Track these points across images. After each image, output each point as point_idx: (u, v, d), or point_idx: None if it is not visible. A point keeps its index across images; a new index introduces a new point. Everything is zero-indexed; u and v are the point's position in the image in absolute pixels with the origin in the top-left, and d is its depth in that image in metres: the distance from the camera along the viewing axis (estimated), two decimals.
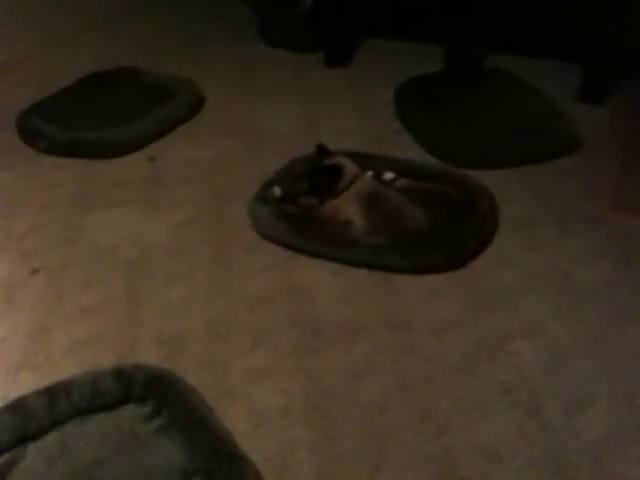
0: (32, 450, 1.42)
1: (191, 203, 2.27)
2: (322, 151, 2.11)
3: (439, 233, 1.95)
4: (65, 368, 1.65)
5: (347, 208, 1.99)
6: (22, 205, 2.28)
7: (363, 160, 2.30)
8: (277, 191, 2.15)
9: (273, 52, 3.38)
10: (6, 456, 1.41)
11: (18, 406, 1.47)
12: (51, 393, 1.48)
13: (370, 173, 2.20)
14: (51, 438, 1.43)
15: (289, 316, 1.81)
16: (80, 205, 2.26)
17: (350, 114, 2.80)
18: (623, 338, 1.70)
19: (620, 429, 1.48)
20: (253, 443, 1.46)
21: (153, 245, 2.08)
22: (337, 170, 2.02)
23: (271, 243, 2.05)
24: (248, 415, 1.53)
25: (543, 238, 2.06)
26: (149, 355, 1.69)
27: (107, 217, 2.21)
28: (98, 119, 2.65)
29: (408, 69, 2.99)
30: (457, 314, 1.79)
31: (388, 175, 2.20)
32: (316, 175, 2.03)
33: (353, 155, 2.31)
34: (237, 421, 1.51)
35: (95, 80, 2.92)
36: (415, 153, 2.47)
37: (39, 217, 2.21)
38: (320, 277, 1.93)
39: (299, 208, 2.06)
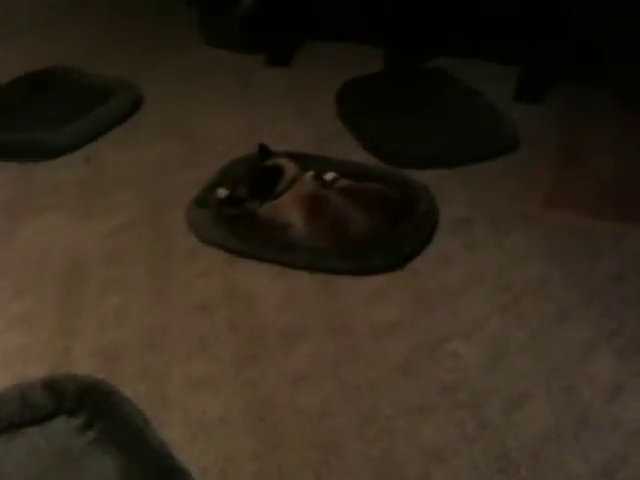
0: None
1: (127, 208, 2.21)
2: (263, 151, 2.09)
3: (378, 235, 1.95)
4: None
5: (287, 210, 1.97)
6: None
7: (304, 161, 2.28)
8: (222, 193, 2.11)
9: (215, 53, 3.32)
10: None
11: None
12: None
13: (311, 173, 2.19)
14: None
15: (228, 323, 1.77)
16: (12, 211, 2.18)
17: (291, 115, 2.78)
18: (559, 334, 1.73)
19: (558, 424, 1.50)
20: (191, 454, 1.43)
21: (88, 253, 2.01)
22: (277, 171, 2.00)
23: (210, 247, 2.02)
24: (186, 425, 1.50)
25: (480, 237, 2.08)
26: (83, 366, 1.63)
27: (40, 224, 2.13)
28: (32, 121, 2.57)
29: (349, 70, 2.97)
30: (397, 315, 1.79)
31: (329, 175, 2.18)
32: (256, 176, 2.00)
33: (295, 156, 2.29)
34: (174, 432, 1.48)
35: (29, 81, 2.82)
36: (357, 154, 2.47)
37: None
38: (260, 281, 1.91)
39: (240, 210, 2.02)
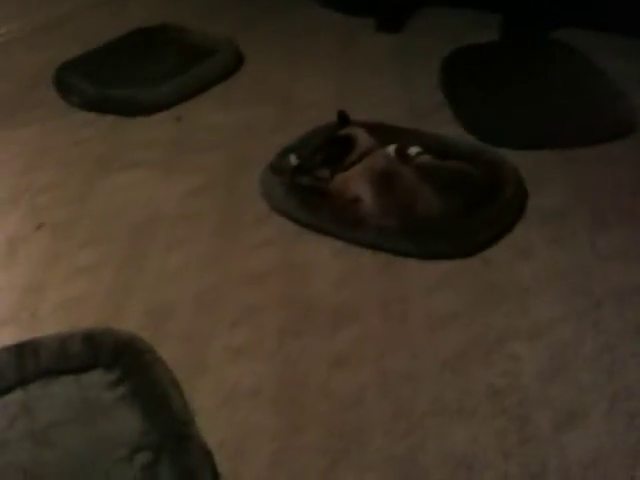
0: None
1: (209, 169, 2.22)
2: (342, 119, 2.01)
3: (451, 218, 1.82)
4: (48, 326, 1.64)
5: (356, 184, 1.88)
6: (45, 161, 2.30)
7: (391, 133, 2.18)
8: (293, 160, 2.06)
9: (327, 15, 3.24)
10: None
11: None
12: (20, 351, 1.48)
13: (393, 146, 2.08)
14: (15, 396, 1.43)
15: (281, 295, 1.74)
16: (100, 165, 2.26)
17: (392, 83, 2.66)
18: (636, 350, 1.54)
19: (610, 451, 1.34)
20: (213, 423, 1.42)
21: (162, 210, 2.04)
22: (349, 141, 1.91)
23: (279, 216, 1.98)
24: (215, 393, 1.48)
25: (571, 232, 1.89)
26: (132, 321, 1.66)
27: (123, 179, 2.19)
28: (133, 77, 2.64)
29: (463, 38, 2.81)
30: (457, 306, 1.67)
31: (413, 150, 2.06)
32: (328, 146, 1.93)
33: (381, 127, 2.20)
34: (203, 398, 1.47)
35: (137, 37, 2.90)
36: (452, 129, 2.31)
37: (57, 174, 2.22)
38: (322, 256, 1.85)
39: (312, 180, 1.97)
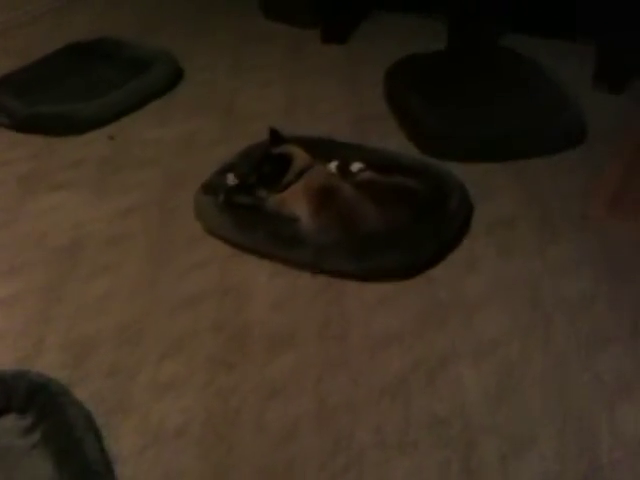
0: None
1: (142, 188, 2.10)
2: (274, 137, 1.91)
3: (394, 233, 1.73)
4: None
5: (294, 202, 1.79)
6: None
7: (333, 148, 2.10)
8: (231, 179, 1.97)
9: (271, 26, 3.16)
10: None
11: None
12: None
13: (335, 163, 1.99)
14: None
15: (214, 322, 1.63)
16: (25, 187, 2.12)
17: (338, 94, 2.58)
18: (590, 367, 1.46)
19: (560, 478, 1.26)
20: (134, 469, 1.30)
21: (88, 233, 1.92)
22: (285, 160, 1.82)
23: (214, 237, 1.87)
24: (138, 435, 1.36)
25: (520, 243, 1.83)
26: (51, 357, 1.54)
27: (50, 201, 2.06)
28: (67, 93, 2.50)
29: (411, 46, 2.75)
30: (400, 327, 1.58)
31: (355, 166, 1.98)
32: (263, 165, 1.84)
33: (322, 142, 2.12)
34: (125, 440, 1.35)
35: (72, 52, 2.76)
36: (396, 140, 2.25)
37: None
38: (258, 278, 1.75)
39: (249, 199, 1.87)
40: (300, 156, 1.84)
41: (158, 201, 2.04)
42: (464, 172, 1.98)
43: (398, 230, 1.74)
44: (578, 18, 2.67)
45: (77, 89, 2.54)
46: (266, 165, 1.82)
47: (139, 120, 2.45)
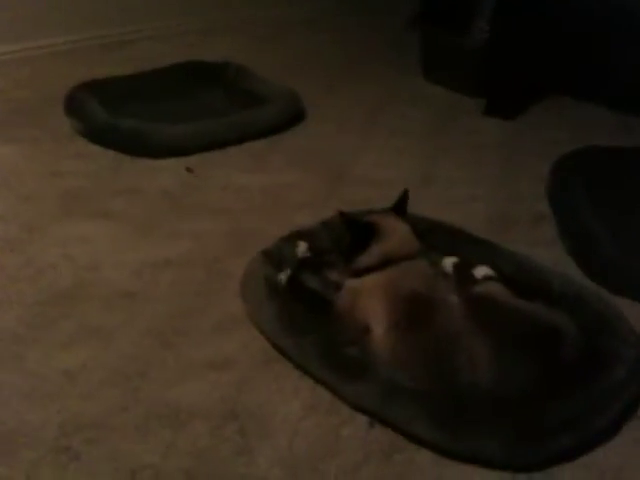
0: None
1: (195, 240, 1.61)
2: (401, 202, 1.36)
3: (511, 400, 1.07)
4: None
5: (368, 303, 1.19)
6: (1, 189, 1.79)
7: (456, 239, 1.53)
8: (303, 249, 1.43)
9: (429, 88, 2.67)
10: None
11: None
12: None
13: (453, 259, 1.41)
14: None
15: (180, 470, 1.04)
16: (66, 206, 1.72)
17: (485, 179, 1.99)
18: None
19: None
20: None
21: (99, 281, 1.45)
22: (369, 231, 1.24)
23: (254, 326, 1.31)
24: None
25: None
26: None
27: (81, 229, 1.63)
28: (161, 110, 2.13)
29: (591, 139, 2.13)
30: None
31: (480, 270, 1.36)
32: (343, 232, 1.27)
33: (446, 229, 1.55)
34: None
35: (191, 69, 2.42)
36: (551, 252, 1.61)
37: (16, 206, 1.70)
38: (285, 408, 1.14)
39: (319, 283, 1.31)
40: (395, 234, 1.25)
41: (205, 261, 1.53)
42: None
43: (520, 396, 1.08)
44: None
45: (174, 109, 2.16)
46: (345, 233, 1.25)
47: (230, 158, 2.00)
